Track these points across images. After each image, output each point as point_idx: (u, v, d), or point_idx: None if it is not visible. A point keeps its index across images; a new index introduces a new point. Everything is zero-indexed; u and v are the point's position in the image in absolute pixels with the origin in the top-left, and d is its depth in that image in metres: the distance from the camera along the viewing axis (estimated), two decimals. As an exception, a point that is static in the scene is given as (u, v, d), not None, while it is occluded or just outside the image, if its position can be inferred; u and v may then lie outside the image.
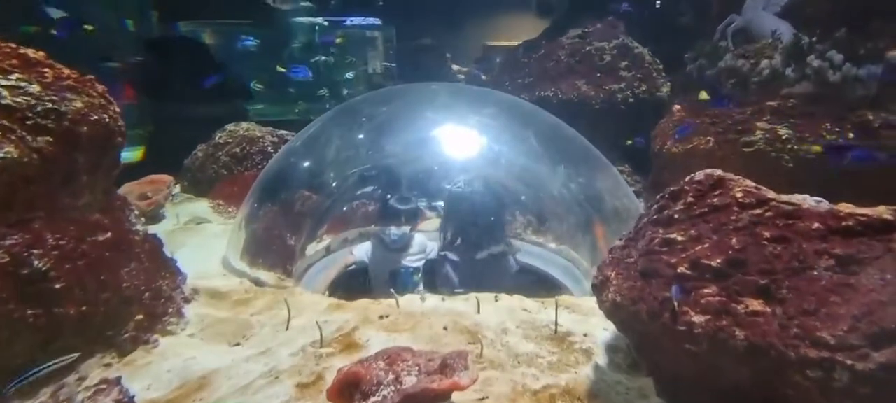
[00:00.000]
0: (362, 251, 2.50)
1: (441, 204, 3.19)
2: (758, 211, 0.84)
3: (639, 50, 4.69)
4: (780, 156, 2.96)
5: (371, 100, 2.77)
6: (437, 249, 2.50)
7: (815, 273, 0.70)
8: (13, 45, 1.23)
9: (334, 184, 2.73)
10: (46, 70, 1.24)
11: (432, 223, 3.15)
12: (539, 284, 2.54)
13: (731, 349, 0.71)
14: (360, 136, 2.75)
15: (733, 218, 0.87)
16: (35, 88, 1.14)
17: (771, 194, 0.87)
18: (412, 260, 2.47)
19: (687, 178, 1.08)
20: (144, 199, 3.21)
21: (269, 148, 4.05)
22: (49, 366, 1.00)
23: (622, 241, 1.21)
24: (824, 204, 0.80)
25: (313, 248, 2.65)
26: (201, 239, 2.72)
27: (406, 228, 2.44)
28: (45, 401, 0.95)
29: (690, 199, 0.99)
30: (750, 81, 3.11)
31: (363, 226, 2.82)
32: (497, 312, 1.53)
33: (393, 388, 0.88)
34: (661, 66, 4.62)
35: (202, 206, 3.52)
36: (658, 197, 1.16)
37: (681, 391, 0.90)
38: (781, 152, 2.98)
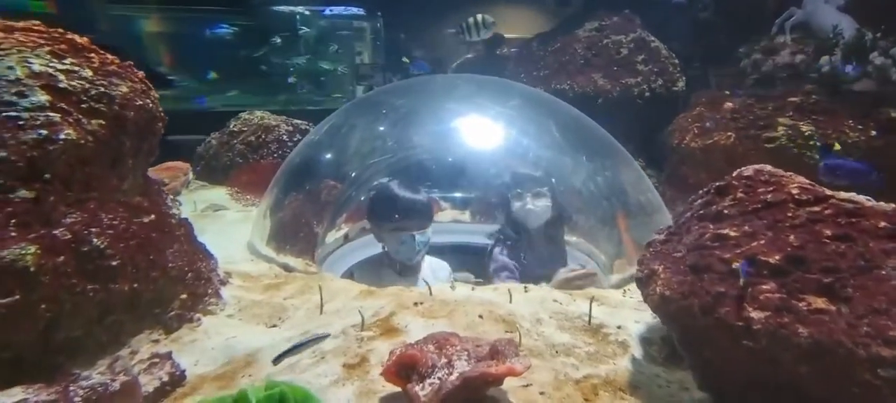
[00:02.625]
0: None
1: (459, 194, 3.19)
2: (816, 208, 0.85)
3: (655, 44, 4.67)
4: (802, 153, 2.95)
5: (392, 91, 2.77)
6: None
7: (884, 272, 0.71)
8: (61, 30, 1.25)
9: (354, 174, 2.74)
10: (93, 55, 1.25)
11: (447, 213, 3.17)
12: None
13: (793, 346, 0.73)
14: (382, 128, 2.76)
15: (790, 214, 0.87)
16: (87, 73, 1.16)
17: (828, 191, 0.88)
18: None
19: (734, 174, 1.09)
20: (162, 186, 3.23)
21: (285, 137, 4.06)
22: (310, 341, 1.22)
23: (663, 235, 1.22)
24: (884, 204, 0.81)
25: (332, 236, 2.68)
26: (221, 226, 2.74)
27: (422, 236, 1.95)
28: (103, 371, 0.98)
29: (741, 195, 1.00)
30: (807, 78, 3.05)
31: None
32: (529, 302, 1.55)
33: (446, 371, 0.90)
34: (677, 61, 4.60)
35: (218, 193, 3.54)
36: (702, 191, 1.17)
37: (728, 386, 0.91)
38: (804, 149, 2.98)
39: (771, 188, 0.96)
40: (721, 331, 0.83)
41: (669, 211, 2.49)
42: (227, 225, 2.76)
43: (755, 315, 0.77)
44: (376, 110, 2.67)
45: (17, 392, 0.75)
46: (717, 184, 1.11)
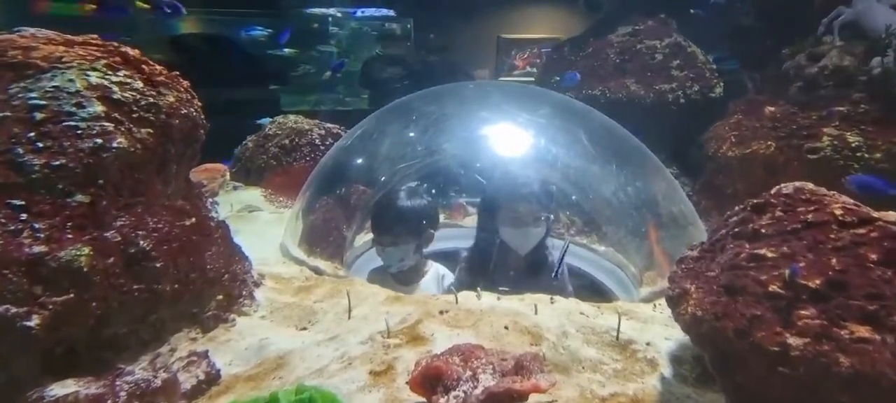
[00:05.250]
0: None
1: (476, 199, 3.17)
2: (860, 230, 0.81)
3: (691, 49, 4.53)
4: (848, 166, 2.80)
5: (424, 97, 2.81)
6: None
7: (934, 301, 0.67)
8: (115, 44, 1.33)
9: (382, 179, 2.79)
10: (144, 66, 1.34)
11: (473, 219, 3.17)
12: (586, 287, 2.52)
13: (833, 375, 0.70)
14: (411, 134, 2.79)
15: (832, 236, 0.84)
16: (138, 84, 1.23)
17: (874, 213, 0.84)
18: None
19: (773, 191, 1.05)
20: (200, 187, 3.36)
21: (317, 140, 4.16)
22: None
23: (695, 252, 1.19)
24: (937, 228, 0.77)
25: (360, 240, 2.73)
26: (255, 227, 2.84)
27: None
28: (145, 367, 1.04)
29: (779, 213, 0.97)
30: (856, 81, 2.86)
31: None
32: (555, 314, 1.53)
33: (471, 384, 0.91)
34: (714, 66, 4.45)
35: (253, 195, 3.67)
36: (738, 208, 1.14)
37: (763, 410, 0.88)
38: (850, 161, 2.82)
39: (812, 207, 0.92)
40: (756, 356, 0.80)
41: (704, 223, 2.41)
42: (262, 226, 2.86)
43: (793, 341, 0.75)
44: (407, 116, 2.71)
45: (70, 383, 0.81)
46: (754, 201, 1.07)
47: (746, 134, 3.37)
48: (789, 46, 3.36)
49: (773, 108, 3.29)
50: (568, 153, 2.61)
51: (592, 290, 2.55)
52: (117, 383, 0.82)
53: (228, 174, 4.12)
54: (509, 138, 2.55)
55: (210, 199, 1.75)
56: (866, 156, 2.77)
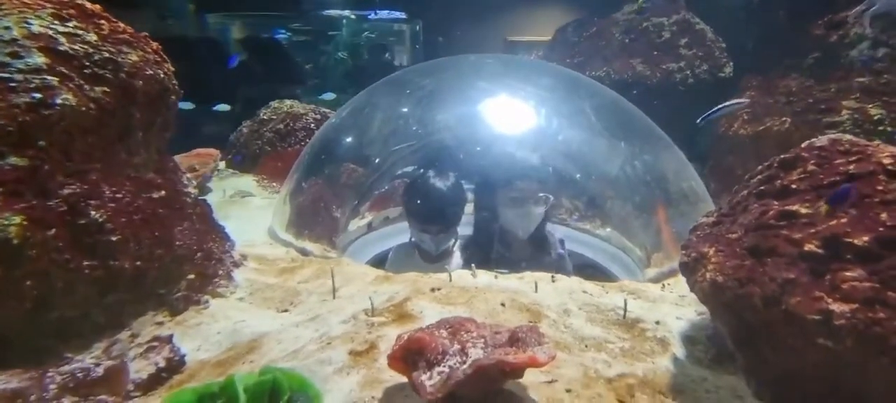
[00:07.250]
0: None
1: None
2: (917, 179, 0.69)
3: (701, 26, 4.37)
4: (870, 140, 2.64)
5: (419, 70, 2.67)
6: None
7: None
8: (72, -6, 1.21)
9: (377, 160, 2.67)
10: (103, 22, 1.21)
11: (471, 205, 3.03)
12: (584, 270, 2.39)
13: (890, 349, 0.57)
14: (405, 109, 2.66)
15: (880, 189, 0.71)
16: (92, 38, 1.11)
17: (933, 159, 0.71)
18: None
19: (804, 145, 0.92)
20: (192, 172, 3.26)
21: (312, 125, 4.07)
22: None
23: (713, 217, 1.07)
24: None
25: (355, 225, 2.62)
26: (247, 212, 2.74)
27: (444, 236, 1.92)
28: (98, 356, 0.93)
29: (812, 167, 0.84)
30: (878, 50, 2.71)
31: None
32: (556, 292, 1.41)
33: (459, 359, 0.79)
34: (723, 45, 4.29)
35: (246, 181, 3.57)
36: (761, 167, 1.01)
37: (795, 395, 0.76)
38: (872, 135, 2.67)
39: (853, 158, 0.79)
40: (789, 326, 0.68)
41: (714, 205, 2.27)
42: (253, 212, 2.76)
43: (837, 307, 0.62)
44: (400, 91, 2.57)
45: (-13, 377, 0.70)
46: (782, 156, 0.94)
47: (759, 110, 3.22)
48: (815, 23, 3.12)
49: (787, 82, 3.13)
50: (571, 128, 2.47)
51: (595, 273, 2.42)
52: (49, 374, 0.71)
53: (224, 163, 4.02)
54: (506, 114, 2.41)
55: (187, 174, 1.63)
56: (889, 129, 2.62)
